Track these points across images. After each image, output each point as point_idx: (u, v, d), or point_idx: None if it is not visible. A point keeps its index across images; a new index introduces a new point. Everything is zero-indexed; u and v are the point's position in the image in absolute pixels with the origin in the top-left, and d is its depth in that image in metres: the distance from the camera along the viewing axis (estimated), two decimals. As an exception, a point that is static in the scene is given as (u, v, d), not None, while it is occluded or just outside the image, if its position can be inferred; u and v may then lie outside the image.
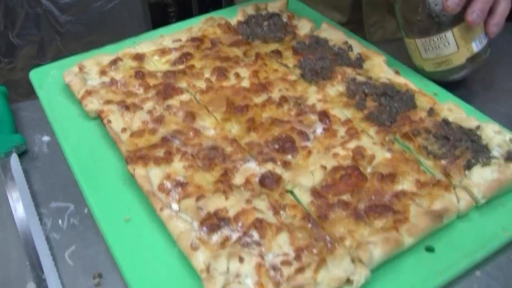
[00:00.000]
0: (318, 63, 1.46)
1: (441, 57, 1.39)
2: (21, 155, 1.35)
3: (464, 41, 1.36)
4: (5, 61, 2.84)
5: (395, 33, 1.69)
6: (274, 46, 1.57)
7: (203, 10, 2.79)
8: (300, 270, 0.96)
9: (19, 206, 1.21)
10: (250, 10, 1.72)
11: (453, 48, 1.37)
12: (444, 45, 1.36)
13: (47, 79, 1.52)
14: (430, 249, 1.05)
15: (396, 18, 1.44)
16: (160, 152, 1.21)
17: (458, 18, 1.33)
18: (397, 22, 1.44)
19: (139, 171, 1.16)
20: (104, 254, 1.11)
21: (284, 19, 1.69)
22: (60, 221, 1.19)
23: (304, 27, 1.65)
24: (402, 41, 1.47)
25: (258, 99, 1.36)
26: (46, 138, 1.40)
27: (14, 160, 1.31)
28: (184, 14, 2.95)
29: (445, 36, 1.35)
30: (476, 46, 1.38)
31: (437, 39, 1.36)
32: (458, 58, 1.38)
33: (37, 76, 1.54)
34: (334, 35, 1.58)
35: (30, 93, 1.52)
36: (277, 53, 1.53)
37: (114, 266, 1.07)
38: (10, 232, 1.18)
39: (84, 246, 1.13)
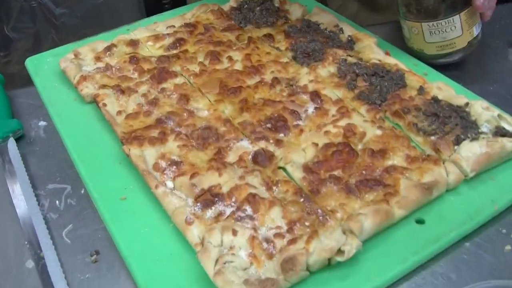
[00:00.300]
0: (310, 45, 1.48)
1: (446, 41, 1.42)
2: (18, 140, 1.37)
3: (468, 25, 1.40)
4: (0, 54, 2.85)
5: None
6: (266, 31, 1.59)
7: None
8: (293, 241, 0.98)
9: (17, 188, 1.23)
10: (242, -4, 1.74)
11: (459, 31, 1.40)
12: (451, 29, 1.39)
13: (43, 66, 1.54)
14: (420, 221, 1.08)
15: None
16: (155, 133, 1.23)
17: (465, 3, 1.37)
18: (398, 6, 1.46)
19: (134, 151, 1.18)
20: (101, 232, 1.13)
21: (276, 4, 1.71)
22: (57, 202, 1.21)
23: (295, 12, 1.67)
24: (390, 25, 1.49)
25: (251, 81, 1.38)
26: (42, 123, 1.42)
27: (12, 144, 1.33)
28: (178, 5, 2.96)
29: (453, 20, 1.38)
30: (476, 30, 1.42)
31: (445, 23, 1.39)
32: (461, 41, 1.42)
33: (33, 63, 1.56)
34: (325, 18, 1.60)
35: (25, 85, 1.54)
36: (269, 37, 1.55)
37: (111, 243, 1.09)
38: (9, 213, 1.19)
39: (81, 225, 1.15)
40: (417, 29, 1.43)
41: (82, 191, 1.22)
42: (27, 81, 1.52)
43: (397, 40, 1.53)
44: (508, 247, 1.06)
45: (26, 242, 1.13)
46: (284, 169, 1.16)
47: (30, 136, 1.39)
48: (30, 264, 1.09)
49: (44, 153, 1.34)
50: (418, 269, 1.02)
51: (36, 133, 1.40)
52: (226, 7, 1.71)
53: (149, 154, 1.18)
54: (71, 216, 1.18)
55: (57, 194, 1.23)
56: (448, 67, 1.46)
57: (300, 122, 1.26)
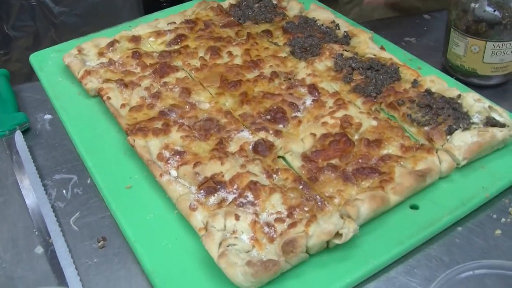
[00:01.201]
0: (307, 41, 1.52)
1: (503, 63, 1.43)
2: (24, 132, 1.40)
3: None
4: (0, 52, 2.88)
5: (373, 11, 1.74)
6: (264, 27, 1.63)
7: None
8: (293, 225, 1.02)
9: (25, 178, 1.27)
10: (241, -7, 1.78)
11: None
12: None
13: (47, 62, 1.58)
14: (414, 207, 1.12)
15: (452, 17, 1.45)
16: (158, 124, 1.27)
17: None
18: (451, 22, 1.45)
19: (139, 142, 1.22)
20: (107, 220, 1.17)
21: (274, 1, 1.75)
22: (64, 191, 1.24)
23: (293, 9, 1.72)
24: (383, 22, 1.51)
25: (250, 75, 1.42)
26: (48, 117, 1.46)
27: (18, 136, 1.37)
28: (177, 3, 2.98)
29: None
30: None
31: (510, 44, 1.40)
32: None
33: (37, 59, 1.60)
34: (322, 15, 1.65)
35: (26, 82, 1.57)
36: (268, 33, 1.59)
37: (117, 230, 1.14)
38: (18, 203, 1.24)
39: (88, 213, 1.19)
40: (478, 48, 1.42)
41: (88, 181, 1.26)
42: (27, 79, 1.56)
43: (392, 35, 1.57)
44: (498, 232, 1.10)
45: (35, 230, 1.16)
46: (283, 158, 1.21)
47: (36, 129, 1.43)
48: (40, 250, 1.13)
49: (50, 145, 1.38)
50: (412, 252, 1.07)
51: (42, 126, 1.43)
52: (225, 4, 1.76)
53: (153, 144, 1.22)
54: (78, 204, 1.21)
55: (64, 184, 1.27)
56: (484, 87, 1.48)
57: (298, 114, 1.30)
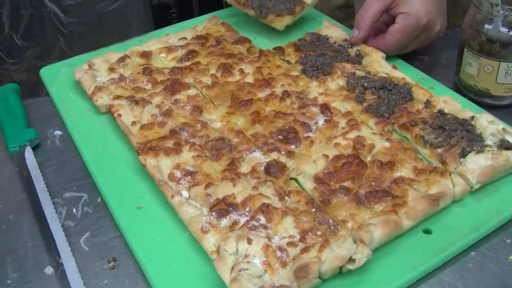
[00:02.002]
0: (319, 59, 1.51)
1: None
2: (34, 148, 1.39)
3: None
4: (10, 62, 2.89)
5: None
6: (277, 43, 1.63)
7: (204, 10, 2.84)
8: (305, 250, 1.02)
9: (35, 196, 1.26)
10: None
11: None
12: None
13: (57, 76, 1.58)
14: (427, 232, 1.11)
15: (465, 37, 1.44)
16: (170, 144, 1.26)
17: None
18: (464, 41, 1.45)
19: (150, 161, 1.22)
20: (118, 240, 1.16)
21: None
22: (74, 210, 1.23)
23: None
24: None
25: (262, 94, 1.42)
26: (58, 133, 1.45)
27: (29, 153, 1.36)
28: (186, 15, 2.98)
29: None
30: None
31: None
32: None
33: (47, 73, 1.60)
34: (335, 32, 1.64)
35: (35, 93, 1.57)
36: (280, 50, 1.59)
37: (128, 250, 1.13)
38: (27, 221, 1.23)
39: (99, 233, 1.18)
40: (491, 68, 1.41)
41: (99, 200, 1.25)
42: (36, 90, 1.55)
43: (404, 53, 1.57)
44: (512, 257, 1.09)
45: (44, 249, 1.16)
46: (295, 180, 1.20)
47: (46, 145, 1.42)
48: (49, 270, 1.12)
49: (60, 162, 1.37)
50: (425, 277, 1.05)
51: (52, 142, 1.43)
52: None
53: (164, 164, 1.22)
54: (88, 224, 1.20)
55: (74, 202, 1.26)
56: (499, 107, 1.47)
57: (310, 134, 1.30)
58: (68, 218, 1.22)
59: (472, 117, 1.29)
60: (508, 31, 1.35)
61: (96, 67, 1.54)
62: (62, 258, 1.12)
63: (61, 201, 1.26)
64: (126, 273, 1.10)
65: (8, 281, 1.11)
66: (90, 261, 1.13)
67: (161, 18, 3.14)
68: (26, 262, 1.14)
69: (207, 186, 1.15)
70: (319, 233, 1.05)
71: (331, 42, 1.61)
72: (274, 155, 1.24)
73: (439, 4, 1.52)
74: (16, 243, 1.18)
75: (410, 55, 1.59)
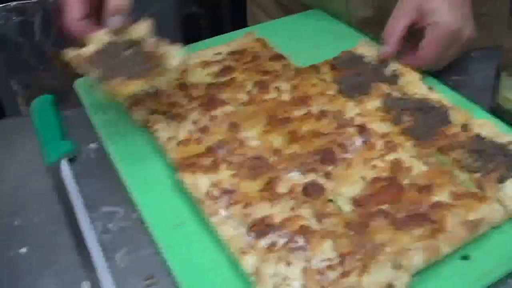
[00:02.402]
0: (356, 79, 1.51)
1: None
2: (70, 161, 1.40)
3: None
4: (40, 69, 2.90)
5: None
6: (312, 61, 1.62)
7: (235, 20, 2.85)
8: (345, 274, 1.01)
9: (71, 210, 1.26)
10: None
11: None
12: None
13: (93, 88, 1.57)
14: (466, 258, 1.10)
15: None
16: (207, 161, 1.26)
17: None
18: (501, 67, 1.45)
19: (188, 178, 1.22)
20: (155, 257, 1.16)
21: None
22: (110, 225, 1.24)
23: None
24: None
25: (298, 112, 1.41)
26: (93, 146, 1.45)
27: (65, 166, 1.37)
28: (215, 25, 2.98)
29: None
30: None
31: None
32: None
33: (83, 85, 1.60)
34: (371, 51, 1.63)
35: (67, 101, 1.57)
36: (315, 68, 1.58)
37: (165, 268, 1.13)
38: (63, 236, 1.23)
39: (135, 249, 1.18)
40: None
41: (135, 215, 1.25)
42: (68, 96, 1.55)
43: (440, 73, 1.57)
44: (551, 284, 1.09)
45: (81, 264, 1.16)
46: (333, 201, 1.20)
47: (81, 158, 1.43)
48: (86, 286, 1.12)
49: (96, 176, 1.37)
50: (464, 305, 1.05)
51: (87, 155, 1.43)
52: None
53: (202, 182, 1.22)
54: (124, 239, 1.20)
55: (109, 217, 1.26)
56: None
57: (348, 155, 1.29)
58: (104, 233, 1.22)
59: (510, 142, 1.28)
60: None
61: (132, 81, 1.54)
62: (99, 274, 1.12)
63: (96, 215, 1.26)
64: (163, 292, 1.11)
65: (47, 296, 1.11)
66: (127, 278, 1.13)
67: (191, 35, 3.14)
68: (63, 277, 1.15)
69: (245, 205, 1.15)
70: (358, 257, 1.05)
71: (366, 61, 1.60)
72: (312, 176, 1.23)
73: (464, 9, 1.51)
74: (52, 257, 1.18)
75: (446, 75, 1.59)
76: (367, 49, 1.65)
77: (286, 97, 1.47)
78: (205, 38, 1.85)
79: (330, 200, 1.20)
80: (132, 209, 1.26)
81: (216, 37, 1.82)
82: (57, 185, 1.33)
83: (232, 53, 1.65)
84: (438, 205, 1.15)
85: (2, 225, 1.27)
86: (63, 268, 1.16)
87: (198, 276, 1.08)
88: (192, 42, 1.81)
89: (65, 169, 1.36)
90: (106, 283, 1.11)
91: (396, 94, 1.46)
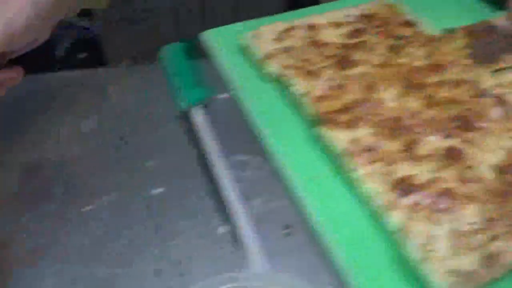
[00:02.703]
0: (491, 48, 1.49)
1: None
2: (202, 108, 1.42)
3: None
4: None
5: None
6: (445, 27, 1.60)
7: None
8: (494, 238, 1.01)
9: (203, 156, 1.28)
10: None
11: None
12: None
13: (223, 41, 1.59)
14: None
15: None
16: (346, 117, 1.26)
17: None
18: None
19: (327, 133, 1.22)
20: (290, 208, 1.17)
21: None
22: (244, 174, 1.25)
23: None
24: None
25: (433, 79, 1.40)
26: (223, 95, 1.47)
27: (198, 112, 1.38)
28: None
29: None
30: None
31: None
32: None
33: (212, 37, 1.61)
34: (506, 23, 1.60)
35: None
36: (450, 37, 1.56)
37: (301, 220, 1.14)
38: (196, 181, 1.26)
39: (270, 199, 1.20)
40: None
41: (268, 166, 1.26)
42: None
43: None
44: None
45: (215, 210, 1.18)
46: (474, 168, 1.18)
47: (212, 107, 1.44)
48: (222, 230, 1.14)
49: (227, 125, 1.39)
50: None
51: (218, 105, 1.45)
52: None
53: (342, 137, 1.22)
54: (259, 189, 1.22)
55: (243, 166, 1.27)
56: None
57: (485, 125, 1.27)
58: (239, 182, 1.23)
59: None
60: None
61: (264, 35, 1.54)
62: (236, 220, 1.14)
63: (229, 164, 1.28)
64: (300, 242, 1.11)
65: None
66: (265, 226, 1.14)
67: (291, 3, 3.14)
68: (197, 220, 1.17)
69: (388, 164, 1.15)
70: (507, 222, 1.04)
71: (504, 32, 1.57)
72: (452, 141, 1.22)
73: None
74: (187, 200, 1.20)
75: None
76: (502, 21, 1.62)
77: (419, 63, 1.46)
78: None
79: (472, 167, 1.18)
80: (265, 160, 1.27)
81: (342, 1, 1.81)
82: (190, 131, 1.34)
83: (363, 16, 1.64)
84: None
85: (136, 165, 1.29)
86: (197, 212, 1.18)
87: (337, 229, 1.09)
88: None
89: (199, 115, 1.37)
90: (246, 230, 1.12)
91: (536, 66, 1.43)
